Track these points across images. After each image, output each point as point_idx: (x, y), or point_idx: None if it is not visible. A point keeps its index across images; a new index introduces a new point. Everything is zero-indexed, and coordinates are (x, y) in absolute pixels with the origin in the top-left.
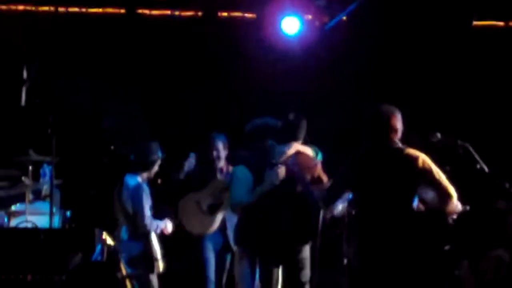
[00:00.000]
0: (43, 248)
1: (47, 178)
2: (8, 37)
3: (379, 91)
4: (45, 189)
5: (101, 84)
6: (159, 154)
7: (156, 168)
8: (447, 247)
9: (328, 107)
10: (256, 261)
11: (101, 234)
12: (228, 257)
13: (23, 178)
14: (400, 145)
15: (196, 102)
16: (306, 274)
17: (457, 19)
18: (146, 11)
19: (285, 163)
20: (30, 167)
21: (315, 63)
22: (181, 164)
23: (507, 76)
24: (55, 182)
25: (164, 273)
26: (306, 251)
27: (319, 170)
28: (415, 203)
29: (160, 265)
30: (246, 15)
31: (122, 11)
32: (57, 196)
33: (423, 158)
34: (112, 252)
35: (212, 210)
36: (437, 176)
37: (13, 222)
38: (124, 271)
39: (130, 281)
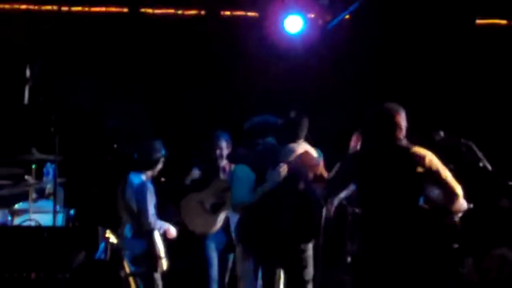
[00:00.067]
0: (46, 246)
1: (51, 176)
2: (11, 36)
3: (381, 90)
4: (49, 187)
5: (104, 82)
6: (163, 152)
7: (160, 166)
8: (455, 246)
9: (331, 106)
10: (258, 259)
11: (105, 232)
12: (231, 257)
13: (26, 176)
14: (406, 143)
15: (199, 100)
16: (309, 272)
17: (460, 17)
18: (149, 10)
19: (287, 161)
20: (34, 166)
21: (318, 62)
22: (186, 171)
23: (510, 75)
24: (59, 180)
25: (167, 272)
26: (309, 249)
27: (321, 169)
28: (420, 201)
29: (164, 264)
30: (249, 14)
31: (125, 10)
32: (60, 194)
33: (430, 157)
34: (116, 250)
35: (215, 210)
36: (443, 175)
37: (17, 221)
38: (127, 269)
39: (134, 279)
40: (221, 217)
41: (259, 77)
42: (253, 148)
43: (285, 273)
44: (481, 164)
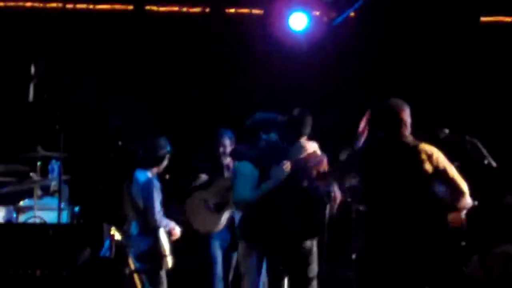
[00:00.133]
0: (51, 243)
1: (55, 173)
2: (16, 33)
3: (386, 87)
4: (54, 184)
5: (109, 80)
6: (168, 148)
7: (165, 163)
8: (463, 243)
9: (335, 103)
10: (262, 256)
11: (110, 230)
12: (235, 255)
13: (31, 173)
14: (412, 139)
15: (203, 98)
16: (314, 269)
17: (464, 15)
18: (154, 8)
19: (292, 158)
20: (38, 163)
21: (322, 59)
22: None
23: None
24: (63, 177)
25: (172, 269)
26: (313, 246)
27: (325, 166)
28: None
29: (169, 261)
30: (253, 11)
31: (130, 7)
32: (65, 191)
33: (437, 154)
34: (121, 248)
35: (219, 209)
36: (450, 172)
37: (22, 218)
38: (132, 266)
39: (139, 277)
40: (225, 216)
41: (263, 74)
42: (255, 144)
43: (290, 270)
44: (485, 161)
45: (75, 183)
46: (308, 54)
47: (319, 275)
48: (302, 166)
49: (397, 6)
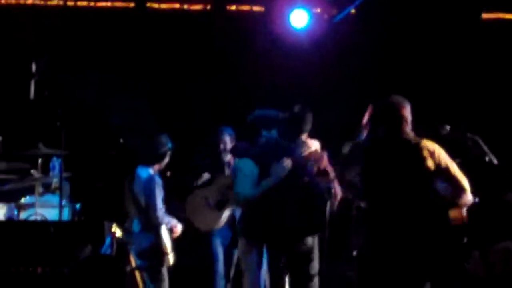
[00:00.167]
0: (52, 240)
1: (57, 171)
2: (17, 31)
3: (387, 84)
4: (55, 182)
5: (110, 77)
6: (169, 145)
7: (167, 159)
8: (465, 240)
9: (336, 100)
10: (263, 252)
11: (111, 227)
12: (236, 252)
13: (32, 171)
14: (413, 136)
15: (204, 95)
16: (315, 266)
17: (466, 12)
18: (155, 5)
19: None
20: (40, 160)
21: (323, 56)
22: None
23: None
24: (65, 175)
25: (173, 267)
26: (314, 243)
27: (325, 162)
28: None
29: (170, 259)
30: (255, 8)
31: (131, 4)
32: (66, 189)
33: (439, 151)
34: (122, 245)
35: (220, 206)
36: (452, 169)
37: (23, 215)
38: (133, 264)
39: (140, 274)
40: (226, 214)
41: (264, 71)
42: (256, 142)
43: (291, 267)
44: (487, 158)
45: (76, 181)
46: (309, 51)
47: (320, 272)
48: (303, 163)
49: (397, 3)
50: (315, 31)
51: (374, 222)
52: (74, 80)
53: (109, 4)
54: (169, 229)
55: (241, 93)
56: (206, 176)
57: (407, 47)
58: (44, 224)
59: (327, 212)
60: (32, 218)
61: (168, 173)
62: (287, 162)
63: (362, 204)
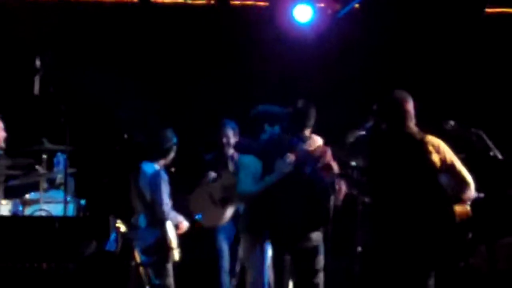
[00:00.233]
0: (57, 236)
1: (61, 166)
2: (21, 27)
3: (391, 79)
4: (59, 177)
5: (114, 72)
6: (175, 140)
7: (172, 154)
8: (470, 235)
9: (340, 96)
10: (266, 247)
11: (116, 222)
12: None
13: (37, 167)
14: (417, 131)
15: (208, 90)
16: (320, 261)
17: (469, 6)
18: (159, 0)
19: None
20: (44, 156)
21: (327, 51)
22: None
23: None
24: (69, 170)
25: (178, 263)
26: (319, 238)
27: (329, 157)
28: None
29: (176, 254)
30: (259, 3)
31: None
32: (71, 184)
33: (443, 146)
34: (126, 240)
35: (224, 203)
36: (456, 164)
37: (28, 211)
38: (138, 259)
39: (145, 270)
40: (230, 210)
41: (268, 66)
42: (259, 137)
43: (296, 263)
44: (491, 153)
45: (81, 176)
46: (313, 46)
47: (325, 267)
48: (306, 158)
49: None
50: (319, 26)
51: (379, 217)
52: (78, 76)
53: None
54: (175, 225)
55: (244, 88)
56: (212, 175)
57: (411, 42)
58: (49, 220)
59: (331, 207)
60: (37, 214)
61: (173, 169)
62: (291, 158)
63: (367, 200)
